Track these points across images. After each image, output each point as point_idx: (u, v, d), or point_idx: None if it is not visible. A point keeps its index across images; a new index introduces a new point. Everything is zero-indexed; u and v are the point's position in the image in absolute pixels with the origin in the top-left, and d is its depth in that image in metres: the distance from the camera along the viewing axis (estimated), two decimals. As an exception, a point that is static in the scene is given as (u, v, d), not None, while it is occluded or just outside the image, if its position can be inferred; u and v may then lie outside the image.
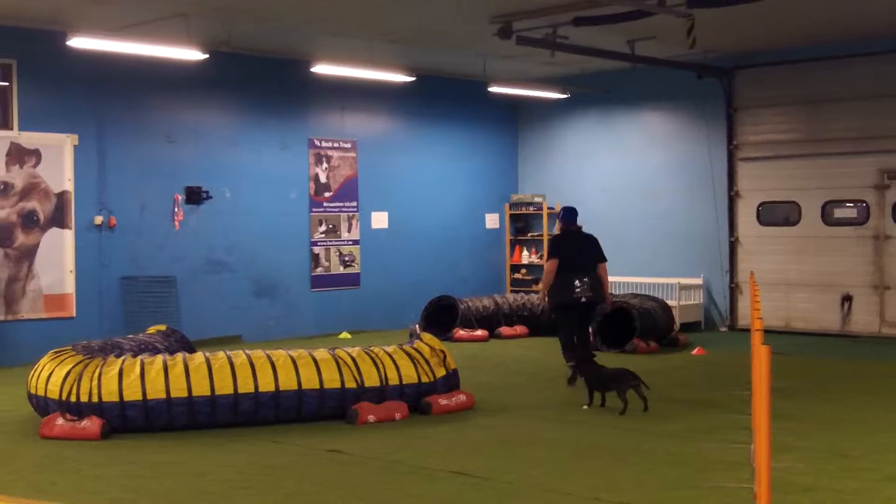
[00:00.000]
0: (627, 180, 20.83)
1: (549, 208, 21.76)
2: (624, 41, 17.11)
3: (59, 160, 15.69)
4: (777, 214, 19.05)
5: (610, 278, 20.37)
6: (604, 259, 13.76)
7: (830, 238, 18.24)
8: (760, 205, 19.12)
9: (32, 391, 10.65)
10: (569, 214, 14.00)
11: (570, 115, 21.63)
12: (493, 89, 19.27)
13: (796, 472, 8.22)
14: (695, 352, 16.06)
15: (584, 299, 13.29)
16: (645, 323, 16.09)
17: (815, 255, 18.39)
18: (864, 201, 17.88)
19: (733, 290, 19.37)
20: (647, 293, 18.54)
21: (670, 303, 18.16)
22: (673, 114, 20.34)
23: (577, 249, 13.50)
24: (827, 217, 18.30)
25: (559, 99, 20.80)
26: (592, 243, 13.81)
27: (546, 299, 13.73)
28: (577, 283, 13.21)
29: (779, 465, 7.81)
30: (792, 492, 7.61)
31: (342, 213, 19.35)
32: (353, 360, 10.95)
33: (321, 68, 16.88)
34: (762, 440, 5.21)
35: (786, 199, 18.81)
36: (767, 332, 8.81)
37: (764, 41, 17.88)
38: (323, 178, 19.07)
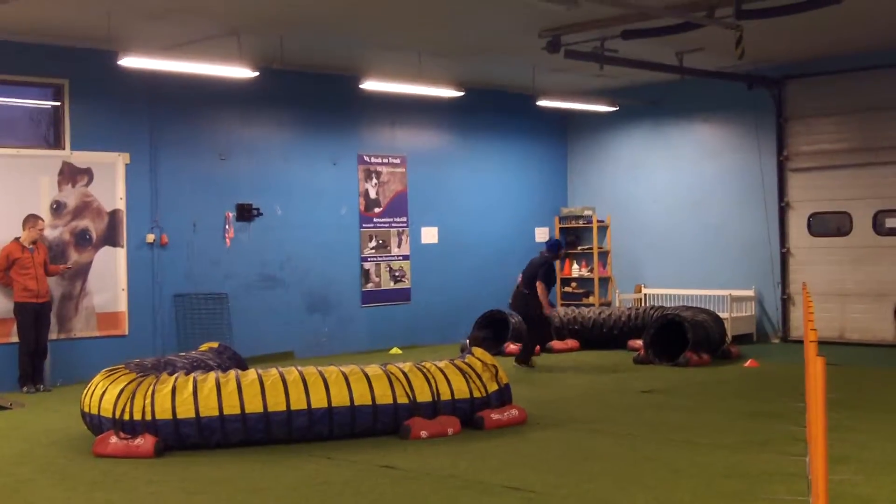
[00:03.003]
0: (678, 192, 20.72)
1: (599, 221, 21.68)
2: (673, 53, 17.02)
3: (111, 179, 15.84)
4: (828, 225, 18.86)
5: (663, 290, 20.60)
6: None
7: (882, 248, 18.04)
8: (811, 215, 18.95)
9: (86, 409, 10.71)
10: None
11: (619, 128, 21.56)
12: (543, 103, 19.25)
13: (854, 483, 8.11)
14: (747, 363, 15.93)
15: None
16: (697, 335, 15.97)
17: (868, 265, 18.19)
18: (917, 211, 17.71)
19: (785, 301, 19.19)
20: (698, 305, 18.40)
21: (722, 315, 18.01)
22: (723, 125, 20.22)
23: None
24: (879, 227, 18.10)
25: (609, 111, 20.74)
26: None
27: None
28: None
29: (836, 477, 7.72)
30: (850, 503, 7.51)
31: (392, 229, 19.39)
32: (405, 375, 10.94)
33: (371, 84, 16.94)
34: (819, 452, 5.15)
35: (837, 210, 18.62)
36: (821, 343, 8.72)
37: (814, 50, 17.75)
38: (373, 194, 19.13)
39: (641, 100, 20.66)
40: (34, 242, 14.54)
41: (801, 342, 17.39)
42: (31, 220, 14.56)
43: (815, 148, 18.86)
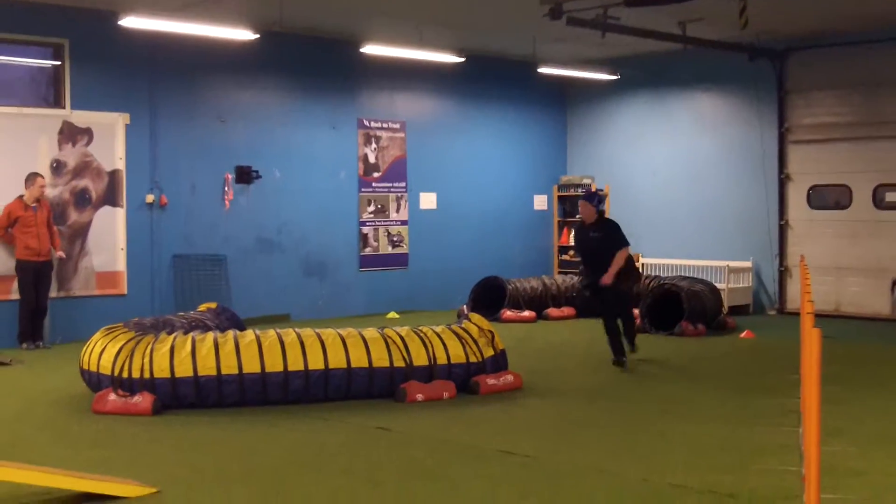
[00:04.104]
0: (677, 163, 20.73)
1: (598, 190, 21.69)
2: (675, 23, 16.99)
3: (111, 139, 15.84)
4: (828, 198, 18.88)
5: (660, 260, 20.64)
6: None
7: (881, 222, 18.07)
8: (811, 188, 18.97)
9: (85, 367, 10.77)
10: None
11: (619, 97, 21.53)
12: (543, 70, 19.21)
13: (847, 456, 8.17)
14: (743, 335, 15.98)
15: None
16: (693, 306, 16.02)
17: (866, 240, 18.22)
18: (917, 185, 17.74)
19: (783, 273, 19.24)
20: (696, 276, 18.45)
21: (719, 286, 18.06)
22: (724, 96, 20.20)
23: None
24: (878, 201, 18.12)
25: (609, 81, 20.72)
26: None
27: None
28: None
29: (829, 450, 7.78)
30: (842, 476, 7.58)
31: (391, 194, 19.41)
32: (402, 339, 11.00)
33: (371, 49, 16.92)
34: (812, 424, 5.20)
35: (837, 183, 18.64)
36: (817, 316, 8.76)
37: (816, 23, 17.69)
38: (372, 159, 19.13)
39: (642, 70, 20.63)
40: (38, 201, 14.55)
41: (797, 315, 17.39)
42: (31, 177, 14.56)
43: (815, 121, 18.86)
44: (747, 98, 19.67)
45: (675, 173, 20.72)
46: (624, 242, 13.03)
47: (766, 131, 19.34)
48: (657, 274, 19.52)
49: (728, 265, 19.14)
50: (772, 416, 9.89)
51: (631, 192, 21.35)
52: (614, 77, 20.39)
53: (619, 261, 12.85)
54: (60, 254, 14.92)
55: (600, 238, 13.03)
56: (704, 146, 20.34)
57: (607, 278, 12.80)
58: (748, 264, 19.42)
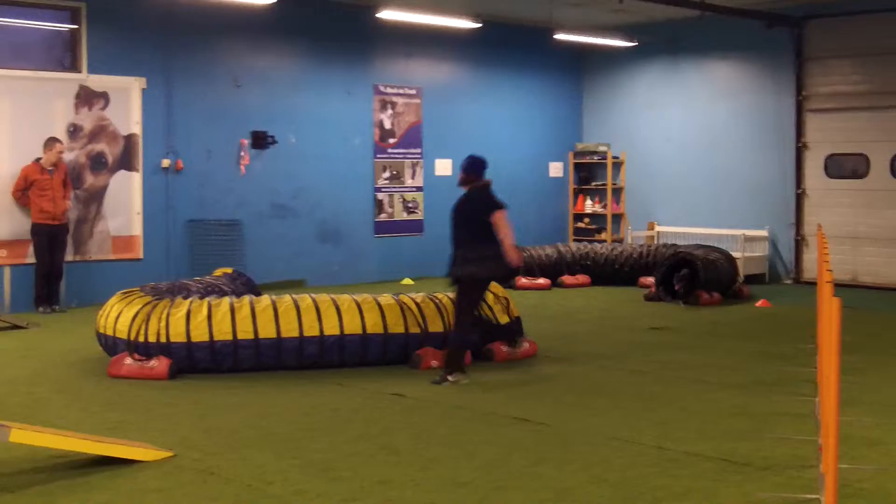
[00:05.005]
0: (693, 131, 20.63)
1: (613, 157, 21.62)
2: (693, -11, 16.92)
3: (127, 103, 15.82)
4: (845, 167, 18.77)
5: (675, 228, 20.59)
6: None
7: (900, 192, 17.99)
8: (828, 157, 18.86)
9: (101, 331, 10.82)
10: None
11: (635, 65, 21.41)
12: (559, 37, 19.11)
13: (863, 426, 8.16)
14: (759, 304, 15.94)
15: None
16: (709, 274, 15.98)
17: (883, 209, 18.11)
18: (936, 154, 17.63)
19: (799, 242, 19.16)
20: (711, 244, 18.39)
21: (735, 254, 18.00)
22: (741, 64, 20.07)
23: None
24: (896, 170, 18.05)
25: (625, 48, 20.61)
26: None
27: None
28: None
29: (845, 419, 7.76)
30: (858, 445, 7.57)
31: (406, 160, 19.37)
32: (418, 305, 11.01)
33: (387, 14, 16.85)
34: (831, 393, 5.18)
35: (854, 152, 18.53)
36: (834, 286, 8.75)
37: (836, -10, 17.58)
38: (387, 125, 19.09)
39: (659, 37, 20.52)
40: (54, 165, 14.56)
41: (813, 284, 17.41)
42: (50, 142, 14.58)
43: (833, 89, 18.72)
44: (764, 66, 19.54)
45: (691, 141, 20.62)
46: (496, 205, 10.23)
47: (783, 99, 19.22)
48: (673, 242, 19.47)
49: (744, 234, 19.08)
50: (787, 384, 9.87)
51: (646, 160, 21.27)
52: (631, 44, 20.27)
53: (504, 229, 10.11)
54: (68, 203, 14.82)
55: (460, 208, 10.54)
56: (721, 114, 20.22)
57: (512, 255, 10.10)
58: (764, 233, 19.36)
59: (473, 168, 10.66)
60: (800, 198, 19.15)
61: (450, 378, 9.95)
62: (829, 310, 5.29)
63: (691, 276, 15.97)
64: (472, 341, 10.63)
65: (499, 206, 10.20)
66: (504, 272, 10.36)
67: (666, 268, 16.38)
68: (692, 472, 6.95)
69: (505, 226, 10.10)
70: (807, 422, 8.26)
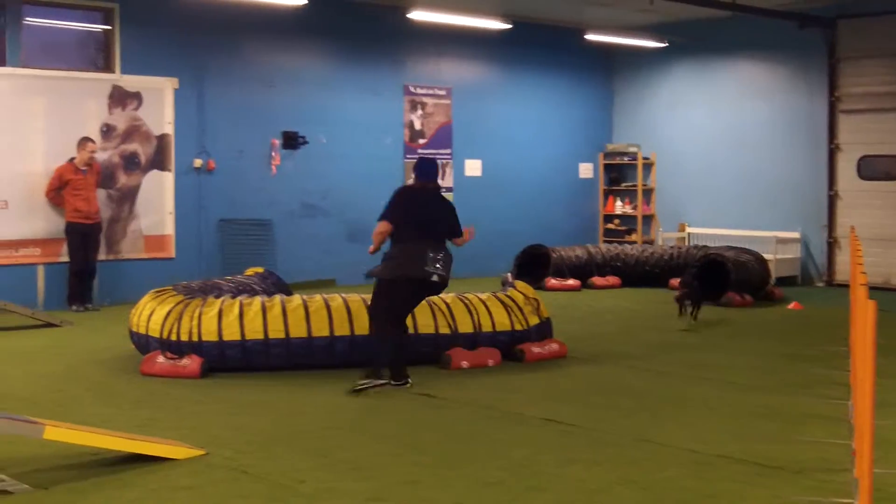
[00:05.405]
0: (724, 131, 20.54)
1: (643, 158, 21.57)
2: (724, -11, 16.86)
3: (159, 103, 15.92)
4: (878, 168, 18.63)
5: (706, 230, 20.50)
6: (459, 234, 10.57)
7: (933, 194, 17.86)
8: (861, 158, 18.73)
9: (134, 329, 10.88)
10: (427, 168, 10.86)
11: (666, 65, 21.35)
12: (590, 37, 19.09)
13: None
14: (790, 306, 15.86)
15: (436, 277, 9.93)
16: (740, 276, 15.91)
17: (917, 211, 18.02)
18: (970, 156, 17.49)
19: (831, 244, 19.06)
20: (743, 246, 18.31)
21: (766, 256, 17.90)
22: (772, 64, 19.98)
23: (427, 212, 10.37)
24: (930, 172, 17.92)
25: (655, 48, 20.56)
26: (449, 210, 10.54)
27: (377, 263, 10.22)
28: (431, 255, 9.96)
29: (878, 423, 7.68)
30: (892, 449, 7.52)
31: (436, 160, 19.35)
32: (448, 306, 11.02)
33: (418, 14, 16.89)
34: (866, 396, 5.15)
35: (888, 153, 18.39)
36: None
37: (869, -10, 17.48)
38: (417, 125, 19.12)
39: (689, 37, 20.45)
40: (88, 164, 14.67)
41: (846, 286, 17.29)
42: (82, 142, 14.70)
43: (866, 90, 18.60)
44: (796, 66, 19.45)
45: (723, 142, 20.54)
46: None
47: (815, 100, 19.12)
48: (704, 244, 19.40)
49: (776, 235, 18.99)
50: (818, 387, 9.83)
51: (677, 161, 21.21)
52: (661, 45, 20.22)
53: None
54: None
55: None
56: (752, 115, 20.13)
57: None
58: (796, 235, 19.26)
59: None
60: (832, 199, 19.04)
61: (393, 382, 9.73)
62: (865, 313, 5.26)
63: (723, 277, 15.89)
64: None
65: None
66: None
67: (697, 269, 16.29)
68: (722, 475, 6.93)
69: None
70: (838, 425, 8.22)
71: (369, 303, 10.26)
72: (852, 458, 6.70)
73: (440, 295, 10.96)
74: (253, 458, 7.32)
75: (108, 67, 15.52)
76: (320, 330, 10.42)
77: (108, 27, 15.52)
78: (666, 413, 8.85)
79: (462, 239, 10.49)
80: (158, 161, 15.94)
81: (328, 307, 10.58)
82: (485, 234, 19.65)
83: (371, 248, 10.22)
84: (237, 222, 16.71)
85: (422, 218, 10.17)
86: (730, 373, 10.65)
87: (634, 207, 21.73)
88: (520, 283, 11.77)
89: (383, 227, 10.21)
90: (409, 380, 9.87)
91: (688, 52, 20.87)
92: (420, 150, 19.08)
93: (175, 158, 16.09)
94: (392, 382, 9.76)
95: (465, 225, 10.48)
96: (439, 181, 11.91)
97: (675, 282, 17.24)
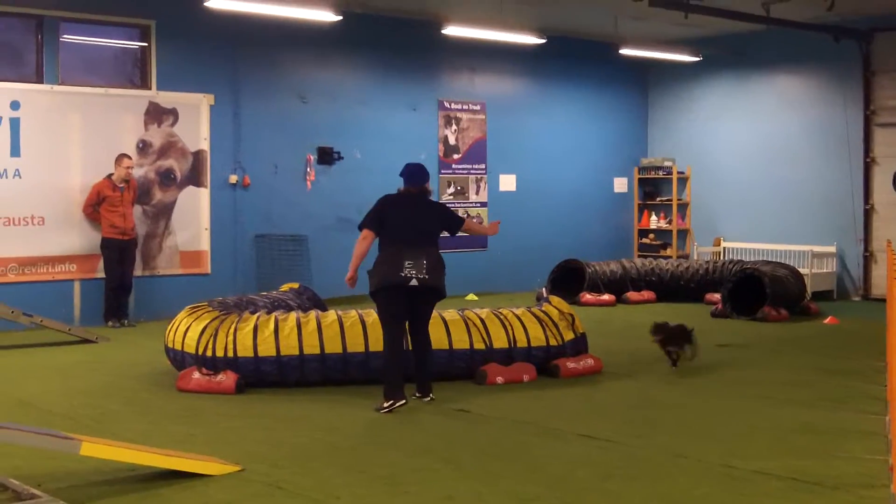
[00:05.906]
0: (760, 145, 20.47)
1: (678, 172, 21.51)
2: (759, 3, 16.78)
3: (195, 119, 16.03)
4: (914, 182, 18.55)
5: (742, 244, 20.41)
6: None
7: (970, 207, 17.72)
8: (897, 172, 18.65)
9: (170, 345, 10.94)
10: (412, 172, 10.44)
11: (701, 78, 21.31)
12: (625, 51, 19.08)
13: (933, 444, 8.04)
14: (827, 321, 15.77)
15: (414, 282, 9.84)
16: (776, 290, 15.83)
17: (953, 226, 17.88)
18: None
19: (867, 258, 18.93)
20: (778, 260, 18.23)
21: (802, 270, 17.81)
22: (807, 77, 19.90)
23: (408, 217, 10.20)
24: (967, 186, 17.78)
25: (691, 61, 20.52)
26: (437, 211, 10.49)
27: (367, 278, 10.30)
28: (408, 261, 9.95)
29: (916, 438, 7.65)
30: (929, 465, 7.46)
31: (470, 175, 19.42)
32: (482, 321, 11.01)
33: (452, 30, 16.92)
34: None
35: (924, 167, 18.31)
36: (904, 302, 8.65)
37: (905, 3, 17.38)
38: (452, 140, 19.15)
39: (725, 50, 20.40)
40: (125, 181, 14.78)
41: (882, 301, 17.18)
42: (119, 158, 14.80)
43: (902, 103, 18.52)
44: (831, 79, 19.36)
45: (758, 155, 20.46)
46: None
47: (850, 113, 19.01)
48: (739, 258, 19.33)
49: (811, 250, 18.88)
50: (855, 401, 9.76)
51: (712, 175, 21.14)
52: (696, 58, 20.18)
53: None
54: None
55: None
56: (787, 128, 20.05)
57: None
58: (832, 249, 19.14)
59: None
60: (868, 213, 18.93)
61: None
62: (900, 327, 5.23)
63: (758, 291, 15.82)
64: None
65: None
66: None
67: (733, 283, 16.25)
68: (759, 491, 6.89)
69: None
70: (876, 440, 8.15)
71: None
72: (890, 473, 6.64)
73: (475, 310, 10.99)
74: (288, 474, 7.34)
75: (144, 84, 15.65)
76: (356, 345, 10.45)
77: (145, 44, 15.65)
78: (702, 428, 8.81)
79: (483, 227, 10.23)
80: (194, 177, 16.04)
81: (363, 322, 10.61)
82: (519, 249, 19.84)
83: (348, 275, 10.39)
84: (272, 237, 16.77)
85: (401, 223, 10.11)
86: (766, 387, 10.59)
87: (669, 222, 21.67)
88: (554, 298, 11.74)
89: (362, 235, 10.40)
90: (433, 395, 9.88)
91: (723, 65, 20.82)
92: (454, 166, 19.11)
93: (211, 174, 16.19)
94: (416, 395, 9.82)
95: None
96: (434, 184, 11.79)
97: (713, 296, 17.19)
